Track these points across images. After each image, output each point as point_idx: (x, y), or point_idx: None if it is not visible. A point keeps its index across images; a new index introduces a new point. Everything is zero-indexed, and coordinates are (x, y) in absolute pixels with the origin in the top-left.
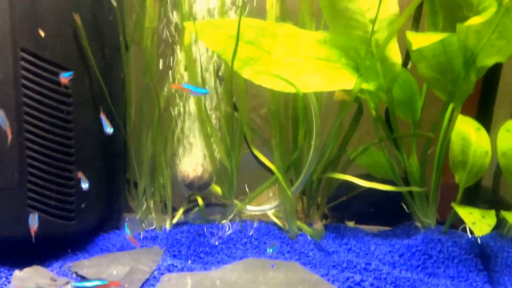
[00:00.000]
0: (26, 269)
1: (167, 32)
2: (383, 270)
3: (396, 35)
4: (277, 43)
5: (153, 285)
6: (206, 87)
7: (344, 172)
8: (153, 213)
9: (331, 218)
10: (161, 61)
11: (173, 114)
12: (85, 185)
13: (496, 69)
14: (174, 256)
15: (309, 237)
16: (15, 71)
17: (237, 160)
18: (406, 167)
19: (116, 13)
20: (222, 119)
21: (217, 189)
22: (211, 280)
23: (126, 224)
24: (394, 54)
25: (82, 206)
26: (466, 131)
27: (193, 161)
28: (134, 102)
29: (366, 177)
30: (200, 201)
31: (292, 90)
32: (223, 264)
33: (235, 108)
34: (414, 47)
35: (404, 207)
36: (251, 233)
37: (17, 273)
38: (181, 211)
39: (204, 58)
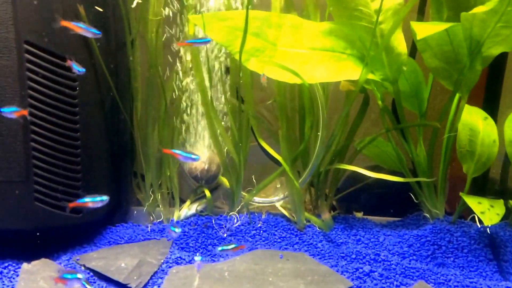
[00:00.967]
0: (34, 262)
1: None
2: (392, 260)
3: (401, 26)
4: (282, 35)
5: (161, 278)
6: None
7: (351, 163)
8: (160, 206)
9: (339, 209)
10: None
11: (180, 106)
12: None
13: (502, 58)
14: (182, 248)
15: (317, 228)
16: (19, 64)
17: (244, 152)
18: (413, 158)
19: (121, 5)
20: (228, 111)
21: (224, 180)
22: (220, 272)
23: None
24: (399, 44)
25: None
26: (473, 121)
27: (200, 153)
28: (141, 95)
29: (374, 168)
30: (207, 193)
31: (297, 81)
32: (232, 256)
33: (241, 99)
34: (419, 36)
35: (413, 197)
36: (259, 225)
37: (25, 266)
38: (188, 203)
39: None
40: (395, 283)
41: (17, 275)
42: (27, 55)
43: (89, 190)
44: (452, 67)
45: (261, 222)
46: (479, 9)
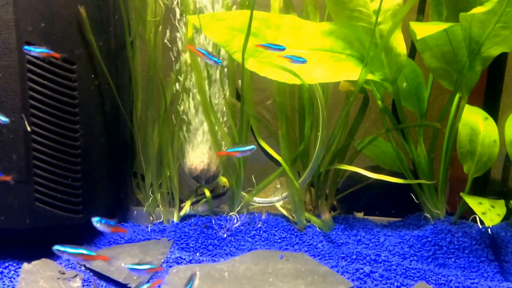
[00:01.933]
0: (35, 262)
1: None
2: (393, 261)
3: (401, 26)
4: (281, 35)
5: (161, 278)
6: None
7: (351, 163)
8: (160, 206)
9: (340, 210)
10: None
11: (179, 107)
12: None
13: (502, 58)
14: (182, 248)
15: (317, 229)
16: (20, 65)
17: None
18: (414, 158)
19: (121, 6)
20: (228, 111)
21: (224, 180)
22: (220, 272)
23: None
24: (399, 45)
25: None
26: (474, 121)
27: (200, 154)
28: (141, 95)
29: (374, 169)
30: (207, 193)
31: (297, 81)
32: (232, 257)
33: (239, 99)
34: (418, 36)
35: (414, 198)
36: (259, 225)
37: (25, 266)
38: (188, 203)
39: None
40: (395, 283)
41: (18, 275)
42: (28, 56)
43: (89, 190)
44: (452, 68)
45: (261, 222)
46: (478, 10)
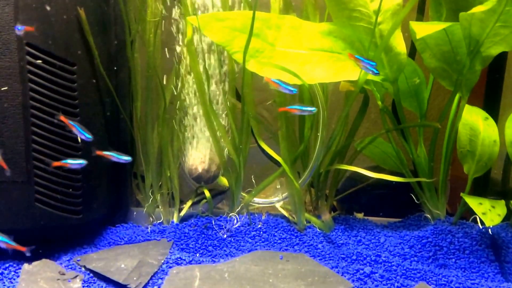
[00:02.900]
0: (35, 263)
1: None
2: (393, 262)
3: (400, 26)
4: (281, 35)
5: (161, 278)
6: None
7: (351, 164)
8: (160, 207)
9: (340, 210)
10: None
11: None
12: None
13: (502, 58)
14: (182, 249)
15: (318, 229)
16: (20, 66)
17: (244, 153)
18: (414, 158)
19: (121, 7)
20: (228, 112)
21: (224, 181)
22: (220, 273)
23: None
24: (399, 45)
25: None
26: (474, 121)
27: (200, 154)
28: (140, 96)
29: (374, 169)
30: (207, 193)
31: (297, 81)
32: (232, 257)
33: (240, 99)
34: (418, 36)
35: (414, 198)
36: (259, 226)
37: (26, 266)
38: (188, 204)
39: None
40: (396, 284)
41: (18, 276)
42: (28, 57)
43: (89, 191)
44: (452, 67)
45: (261, 223)
46: (477, 9)
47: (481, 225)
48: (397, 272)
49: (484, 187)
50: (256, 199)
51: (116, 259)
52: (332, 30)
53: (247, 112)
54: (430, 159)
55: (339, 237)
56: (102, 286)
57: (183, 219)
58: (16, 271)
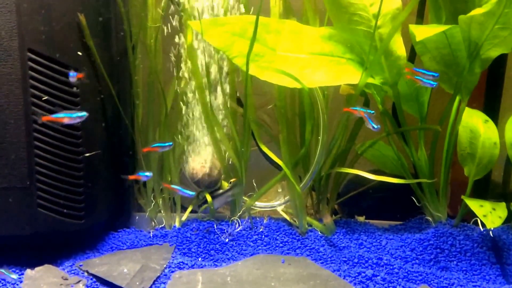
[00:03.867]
0: (38, 268)
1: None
2: (394, 264)
3: (400, 30)
4: (281, 40)
5: (164, 283)
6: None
7: (352, 167)
8: (162, 211)
9: (341, 214)
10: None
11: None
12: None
13: (501, 60)
14: (184, 254)
15: (319, 233)
16: (23, 72)
17: (245, 157)
18: (414, 161)
19: (122, 13)
20: (229, 116)
21: (225, 185)
22: (222, 277)
23: None
24: (399, 48)
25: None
26: (474, 123)
27: (201, 159)
28: (142, 101)
29: (375, 172)
30: (208, 198)
31: (297, 85)
32: (234, 261)
33: (240, 103)
34: (418, 38)
35: (415, 201)
36: (261, 230)
37: (28, 272)
38: (190, 209)
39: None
40: (398, 287)
41: (21, 281)
42: (30, 63)
43: (91, 196)
44: (451, 70)
45: (262, 227)
46: (476, 11)
47: (482, 227)
48: (398, 274)
49: (484, 189)
50: (257, 203)
51: (119, 264)
52: (332, 34)
53: (248, 116)
54: (431, 162)
55: (341, 240)
56: None
57: (185, 224)
58: (19, 276)
